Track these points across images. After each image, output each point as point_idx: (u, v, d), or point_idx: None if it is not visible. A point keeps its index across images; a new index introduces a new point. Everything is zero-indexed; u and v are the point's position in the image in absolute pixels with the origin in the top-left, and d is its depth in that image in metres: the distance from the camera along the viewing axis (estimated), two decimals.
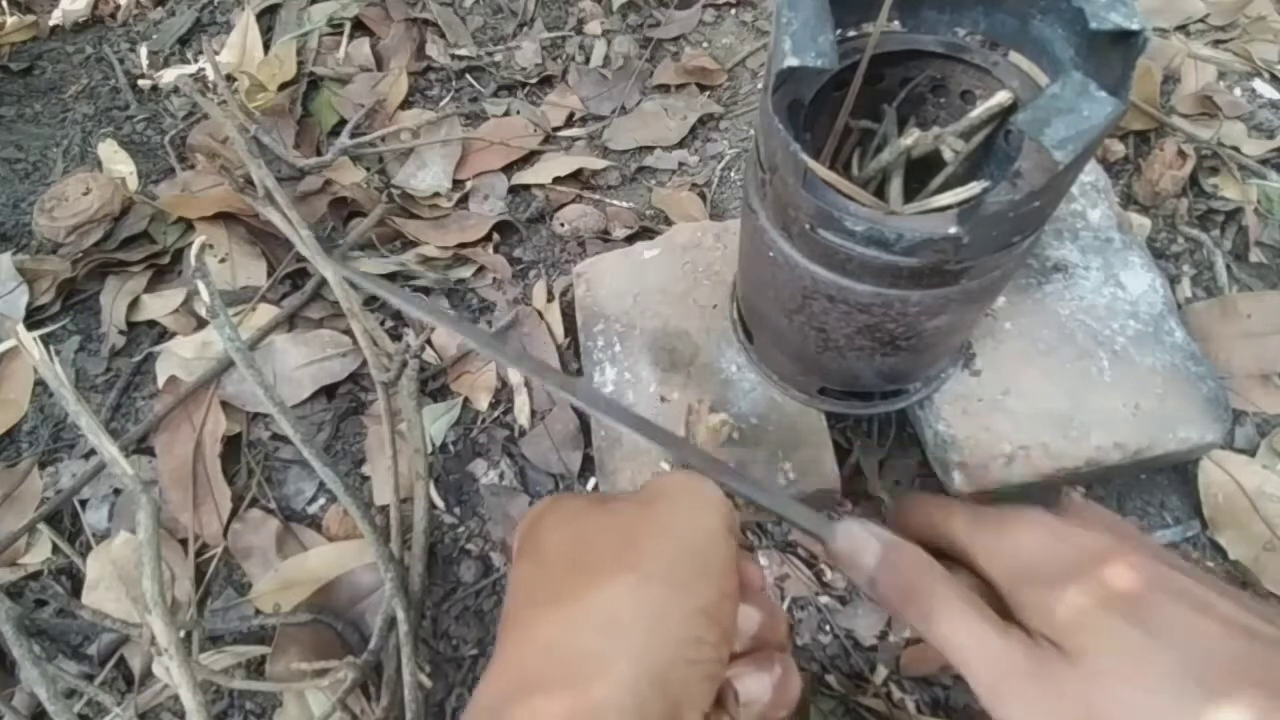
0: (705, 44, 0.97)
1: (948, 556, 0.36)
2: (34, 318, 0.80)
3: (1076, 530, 0.33)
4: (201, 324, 0.78)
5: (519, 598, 0.33)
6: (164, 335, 0.78)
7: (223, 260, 0.80)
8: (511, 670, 0.30)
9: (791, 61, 0.36)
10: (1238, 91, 0.84)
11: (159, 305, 0.79)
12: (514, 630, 0.32)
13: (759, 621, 0.34)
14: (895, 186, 0.46)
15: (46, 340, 0.78)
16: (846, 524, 0.37)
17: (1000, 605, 0.33)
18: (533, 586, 0.33)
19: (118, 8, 1.05)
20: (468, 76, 0.96)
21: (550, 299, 0.76)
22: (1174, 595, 0.31)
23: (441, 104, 0.94)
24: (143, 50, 1.00)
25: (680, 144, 0.88)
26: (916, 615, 0.34)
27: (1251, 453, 0.64)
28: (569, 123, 0.91)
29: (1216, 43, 0.88)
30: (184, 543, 0.67)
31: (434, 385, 0.73)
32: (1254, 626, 0.30)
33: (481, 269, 0.80)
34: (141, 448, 0.71)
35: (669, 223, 0.81)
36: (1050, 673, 0.30)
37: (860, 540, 0.36)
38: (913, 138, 0.45)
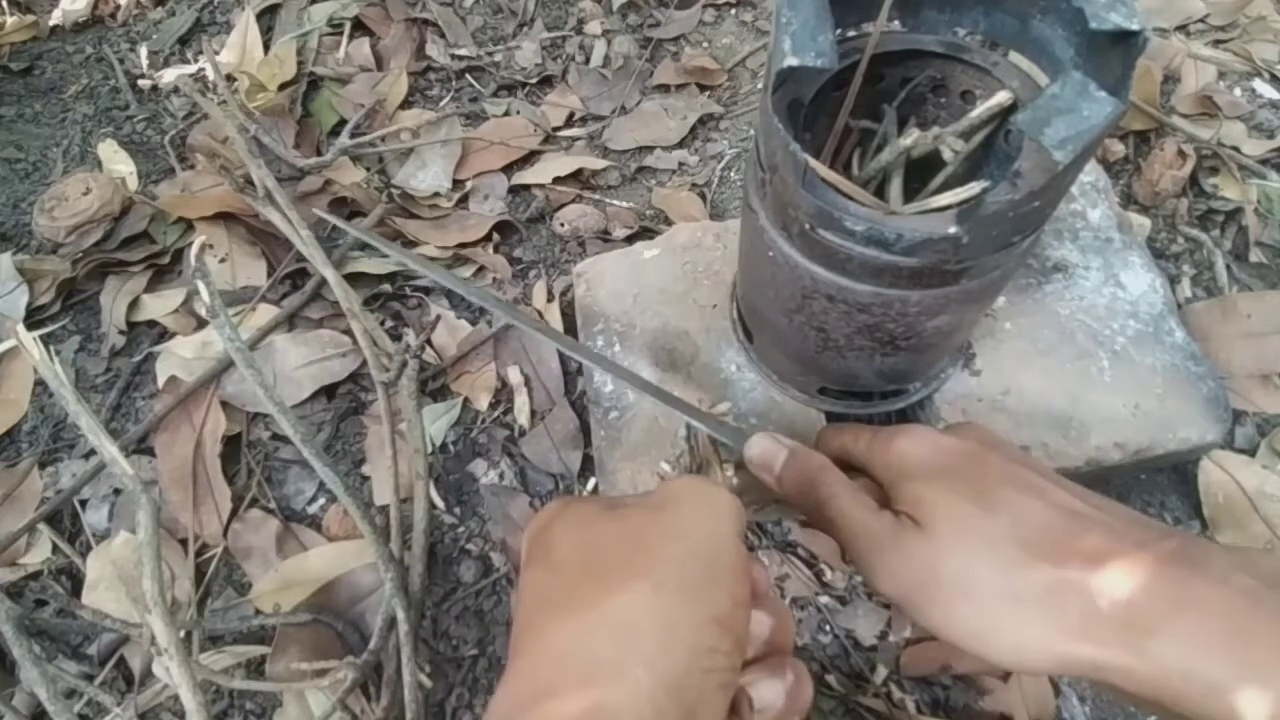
0: (705, 44, 0.97)
1: (854, 470, 0.43)
2: (34, 318, 0.80)
3: (948, 438, 0.40)
4: (201, 324, 0.78)
5: (531, 604, 0.33)
6: (164, 335, 0.78)
7: (223, 260, 0.80)
8: (526, 679, 0.30)
9: (791, 61, 0.36)
10: (1238, 91, 0.84)
11: (159, 305, 0.79)
12: (528, 638, 0.32)
13: (770, 626, 0.35)
14: (895, 186, 0.46)
15: (46, 340, 0.78)
16: (759, 435, 0.44)
17: (886, 504, 0.40)
18: (545, 593, 0.33)
19: (118, 8, 1.05)
20: (468, 76, 0.96)
21: (550, 299, 0.76)
22: (1012, 482, 0.37)
23: (441, 104, 0.94)
24: (143, 50, 1.00)
25: (680, 144, 0.88)
26: (812, 504, 0.41)
27: (1251, 453, 0.64)
28: (569, 123, 0.91)
29: (1216, 43, 0.88)
30: (184, 543, 0.67)
31: (434, 385, 0.73)
32: (1075, 507, 0.36)
33: (481, 269, 0.80)
34: (141, 448, 0.72)
35: (669, 223, 0.81)
36: (906, 542, 0.37)
37: (770, 447, 0.43)
38: (912, 138, 0.45)
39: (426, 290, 0.79)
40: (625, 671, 0.28)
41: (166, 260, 0.82)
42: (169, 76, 0.97)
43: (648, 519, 0.34)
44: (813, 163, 0.37)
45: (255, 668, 0.62)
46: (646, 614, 0.30)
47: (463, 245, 0.80)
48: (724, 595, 0.31)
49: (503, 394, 0.73)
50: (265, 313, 0.77)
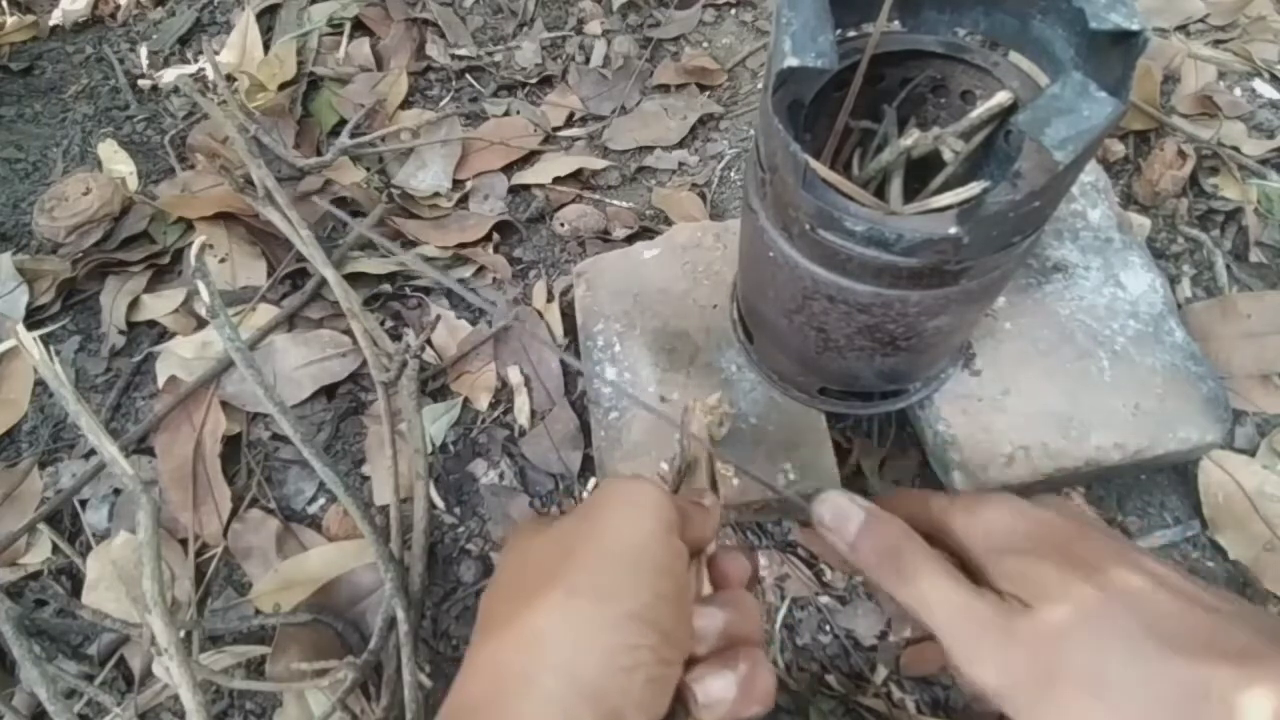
0: (705, 44, 0.97)
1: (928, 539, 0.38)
2: (34, 318, 0.80)
3: (1040, 510, 0.37)
4: (201, 324, 0.78)
5: (477, 624, 0.35)
6: (164, 335, 0.78)
7: (223, 260, 0.80)
8: (452, 698, 0.31)
9: (791, 62, 0.36)
10: (1238, 91, 0.84)
11: (159, 305, 0.79)
12: (465, 657, 0.33)
13: (725, 619, 0.34)
14: (895, 187, 0.46)
15: (46, 340, 0.78)
16: (832, 494, 0.40)
17: (970, 579, 0.35)
18: (484, 612, 0.35)
19: (118, 8, 1.05)
20: (468, 76, 0.96)
21: (550, 299, 0.76)
22: (1130, 565, 0.33)
23: (441, 104, 0.94)
24: (143, 50, 1.00)
25: (680, 144, 0.88)
26: (895, 576, 0.36)
27: (1251, 453, 0.64)
28: (569, 123, 0.91)
29: (1216, 43, 0.88)
30: (184, 543, 0.67)
31: (434, 385, 0.73)
32: (1195, 594, 0.32)
33: (481, 269, 0.80)
34: (141, 448, 0.72)
35: (669, 223, 0.81)
36: (1017, 627, 0.32)
37: (845, 508, 0.39)
38: (913, 138, 0.45)
39: (426, 290, 0.79)
40: (534, 681, 0.29)
41: (166, 260, 0.82)
42: (169, 76, 0.97)
43: (573, 526, 0.34)
44: (813, 163, 0.37)
45: (255, 668, 0.62)
46: (557, 621, 0.30)
47: (463, 245, 0.80)
48: (644, 591, 0.31)
49: (503, 394, 0.73)
50: (265, 313, 0.77)
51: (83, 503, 0.70)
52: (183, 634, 0.50)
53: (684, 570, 0.33)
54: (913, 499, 0.40)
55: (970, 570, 0.36)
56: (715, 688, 0.31)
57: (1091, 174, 0.68)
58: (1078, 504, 0.39)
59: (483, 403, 0.72)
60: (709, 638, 0.33)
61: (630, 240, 0.79)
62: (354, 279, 0.76)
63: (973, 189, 0.44)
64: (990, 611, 0.33)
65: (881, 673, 0.59)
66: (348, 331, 0.74)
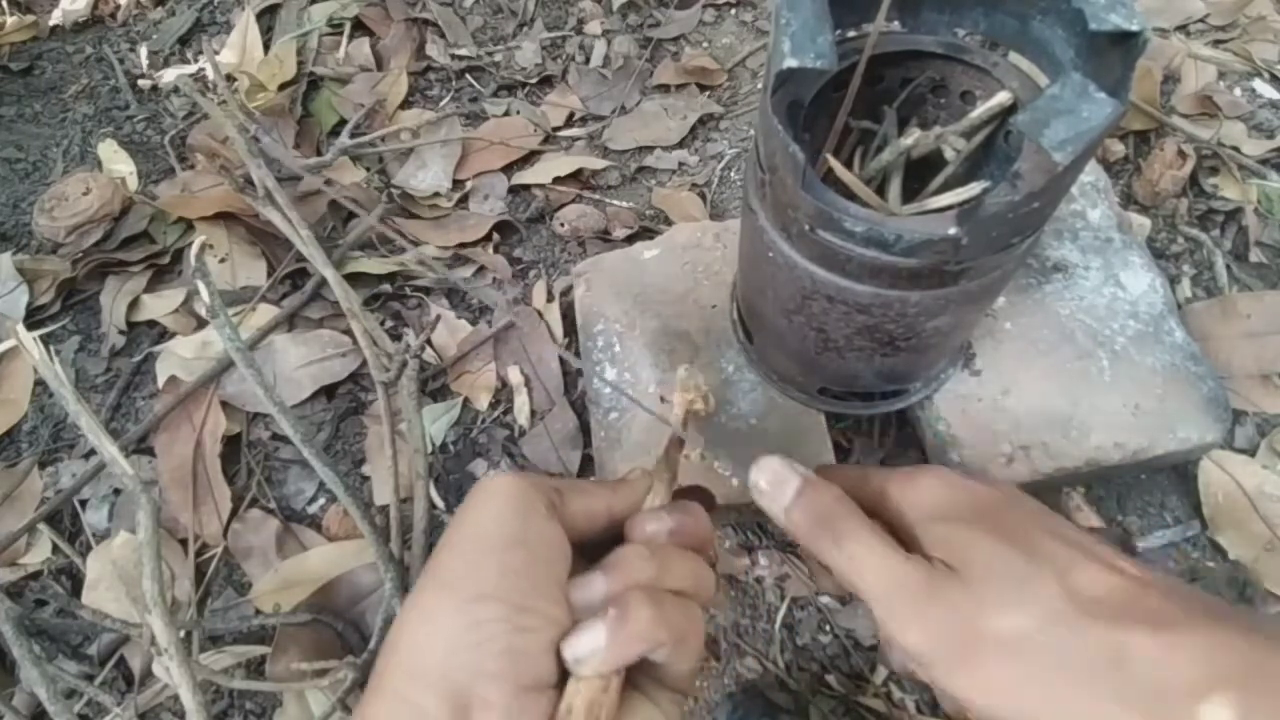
0: (705, 44, 0.97)
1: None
2: (34, 318, 0.80)
3: (973, 482, 0.37)
4: (201, 324, 0.78)
5: None
6: (164, 335, 0.78)
7: (223, 260, 0.80)
8: None
9: (790, 63, 0.36)
10: (1238, 91, 0.84)
11: (159, 305, 0.79)
12: None
13: (602, 582, 0.34)
14: (894, 187, 0.46)
15: (46, 340, 0.78)
16: (769, 459, 0.40)
17: (905, 547, 0.36)
18: None
19: (118, 8, 1.05)
20: (468, 76, 0.96)
21: (550, 299, 0.76)
22: (1056, 536, 0.34)
23: (441, 104, 0.94)
24: (143, 50, 1.00)
25: (680, 144, 0.88)
26: (828, 541, 0.36)
27: (1251, 453, 0.64)
28: (569, 123, 0.91)
29: (1216, 43, 0.88)
30: (184, 543, 0.67)
31: (434, 385, 0.73)
32: (1118, 564, 0.33)
33: (481, 269, 0.80)
34: (141, 448, 0.72)
35: (669, 223, 0.81)
36: (943, 590, 0.33)
37: (781, 473, 0.39)
38: (913, 138, 0.45)
39: (426, 290, 0.79)
40: (382, 686, 0.31)
41: (166, 260, 0.82)
42: (169, 76, 0.97)
43: (447, 532, 0.35)
44: (833, 161, 0.37)
45: (255, 668, 0.62)
46: (407, 620, 0.32)
47: (463, 245, 0.80)
48: (489, 570, 0.32)
49: (503, 394, 0.73)
50: (265, 313, 0.77)
51: (83, 503, 0.70)
52: (183, 634, 0.50)
53: (547, 543, 0.34)
54: (852, 473, 0.40)
55: (905, 540, 0.36)
56: (581, 642, 0.31)
57: (1091, 174, 0.68)
58: (999, 480, 0.40)
59: (483, 403, 0.72)
60: (591, 606, 0.33)
61: (630, 240, 0.79)
62: (354, 279, 0.76)
63: (972, 189, 0.44)
64: (917, 575, 0.34)
65: (881, 673, 0.59)
66: (348, 331, 0.74)
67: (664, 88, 0.93)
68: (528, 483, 0.35)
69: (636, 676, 0.34)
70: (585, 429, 0.68)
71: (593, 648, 0.31)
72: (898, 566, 0.34)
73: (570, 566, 0.34)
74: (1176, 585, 0.32)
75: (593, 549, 0.36)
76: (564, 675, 0.32)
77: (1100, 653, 0.30)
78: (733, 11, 0.99)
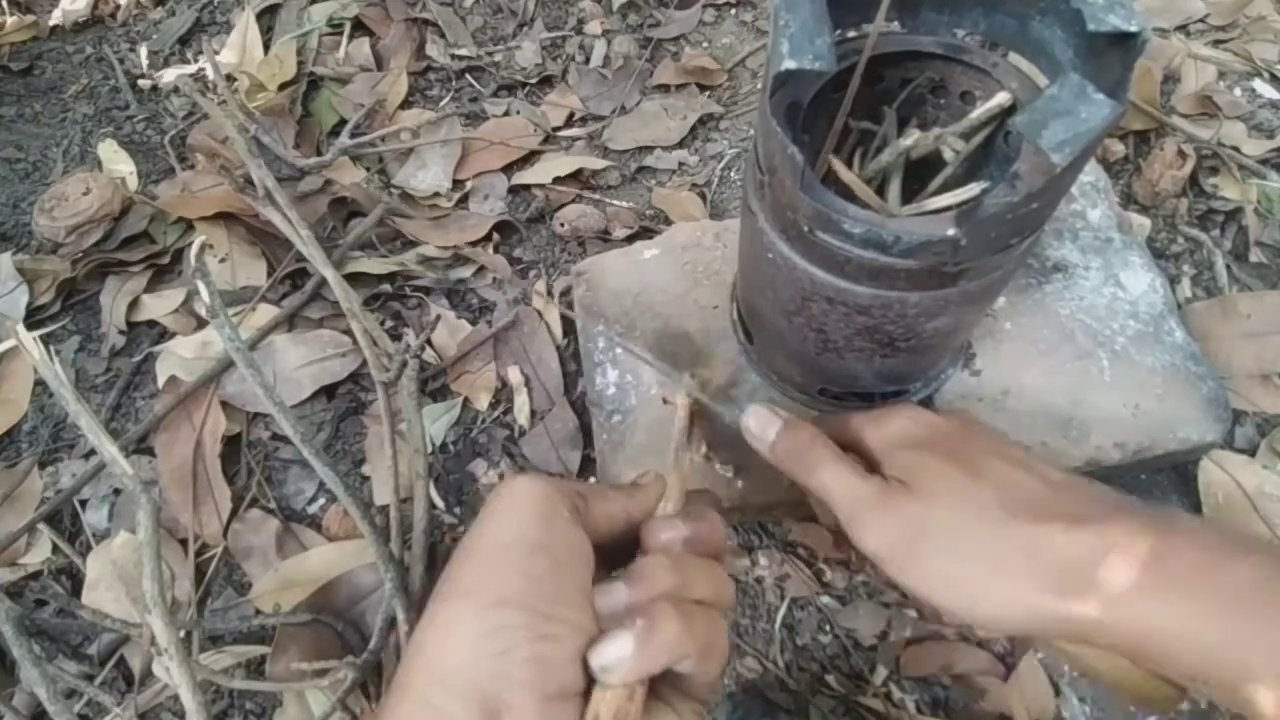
0: (705, 44, 0.97)
1: (848, 450, 0.44)
2: (34, 318, 0.80)
3: (935, 416, 0.44)
4: (201, 324, 0.78)
5: None
6: (164, 335, 0.79)
7: (223, 260, 0.80)
8: None
9: (789, 64, 0.35)
10: (1238, 91, 0.84)
11: (159, 305, 0.79)
12: None
13: (625, 591, 0.34)
14: (894, 188, 0.46)
15: (46, 340, 0.78)
16: (756, 406, 0.47)
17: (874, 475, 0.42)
18: None
19: (118, 8, 1.05)
20: (468, 76, 0.96)
21: (550, 299, 0.76)
22: (999, 455, 0.40)
23: (441, 104, 0.94)
24: (143, 50, 1.00)
25: (680, 144, 0.88)
26: (804, 468, 0.43)
27: (1251, 453, 0.64)
28: (569, 123, 0.91)
29: (1216, 43, 0.88)
30: (184, 543, 0.67)
31: (434, 385, 0.73)
32: (1052, 476, 0.39)
33: (481, 269, 0.80)
34: (141, 448, 0.72)
35: (669, 223, 0.81)
36: (895, 502, 0.39)
37: (767, 417, 0.46)
38: (913, 138, 0.45)
39: (426, 290, 0.79)
40: (408, 689, 0.31)
41: (166, 260, 0.82)
42: (169, 76, 0.97)
43: (464, 537, 0.35)
44: (833, 161, 0.37)
45: (255, 668, 0.62)
46: (428, 626, 0.32)
47: (463, 245, 0.80)
48: (512, 576, 0.32)
49: (503, 394, 0.73)
50: (265, 313, 0.77)
51: (83, 503, 0.70)
52: (183, 634, 0.50)
53: (571, 548, 0.34)
54: (835, 420, 0.47)
55: (873, 468, 0.42)
56: (608, 651, 0.32)
57: (1091, 174, 0.68)
58: (965, 416, 0.48)
59: (483, 403, 0.72)
60: (614, 614, 0.33)
61: (630, 240, 0.79)
62: (354, 279, 0.76)
63: (971, 190, 0.44)
64: (876, 491, 0.40)
65: (881, 673, 0.59)
66: (348, 331, 0.74)
67: (664, 88, 0.93)
68: (551, 486, 0.35)
69: (659, 686, 0.34)
70: (585, 429, 0.68)
71: (619, 657, 0.31)
72: (860, 484, 0.40)
73: (593, 571, 0.34)
74: (1098, 490, 0.39)
75: (607, 553, 0.36)
76: (590, 683, 0.32)
77: (1021, 543, 0.36)
78: (733, 11, 0.99)
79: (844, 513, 0.40)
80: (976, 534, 0.37)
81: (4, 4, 1.04)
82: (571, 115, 0.92)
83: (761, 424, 0.46)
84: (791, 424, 0.45)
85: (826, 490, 0.41)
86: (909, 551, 0.38)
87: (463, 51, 0.97)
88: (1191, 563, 0.34)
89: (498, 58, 0.97)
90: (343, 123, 0.90)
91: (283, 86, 0.93)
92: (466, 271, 0.80)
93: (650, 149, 0.88)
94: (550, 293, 0.77)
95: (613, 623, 0.33)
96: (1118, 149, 0.80)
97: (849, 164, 0.48)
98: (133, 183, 0.88)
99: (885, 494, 0.39)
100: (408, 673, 0.32)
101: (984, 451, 0.40)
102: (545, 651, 0.31)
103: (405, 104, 0.93)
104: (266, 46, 0.98)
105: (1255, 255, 0.74)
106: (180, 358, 0.75)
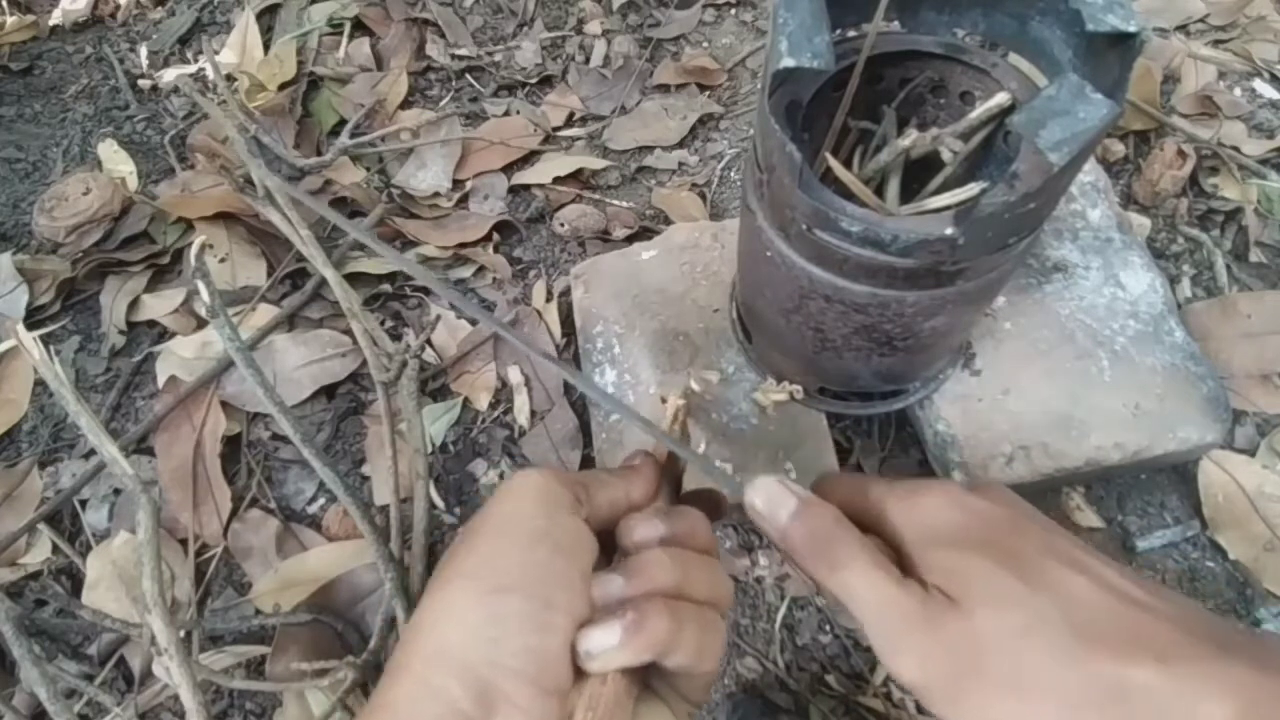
0: (705, 44, 0.97)
1: (861, 528, 0.37)
2: (34, 318, 0.80)
3: (978, 500, 0.35)
4: (201, 324, 0.78)
5: None
6: (164, 335, 0.79)
7: (223, 260, 0.80)
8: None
9: (788, 63, 0.36)
10: (1238, 91, 0.84)
11: (159, 305, 0.79)
12: None
13: (622, 584, 0.34)
14: (893, 187, 0.46)
15: (46, 340, 0.78)
16: (765, 479, 0.39)
17: (902, 568, 0.35)
18: None
19: (118, 8, 1.05)
20: (468, 76, 0.96)
21: (550, 299, 0.76)
22: (1057, 558, 0.33)
23: (441, 104, 0.94)
24: (143, 50, 1.00)
25: (680, 144, 0.88)
26: (825, 565, 0.35)
27: (1251, 453, 0.64)
28: (569, 123, 0.91)
29: (1216, 43, 0.88)
30: (184, 543, 0.67)
31: (434, 385, 0.73)
32: (1127, 590, 0.31)
33: (481, 269, 0.80)
34: (141, 448, 0.72)
35: (669, 223, 0.81)
36: (940, 620, 0.32)
37: (778, 495, 0.38)
38: (911, 138, 0.45)
39: (427, 290, 0.79)
40: (406, 669, 0.31)
41: (166, 260, 0.82)
42: (169, 76, 0.97)
43: (471, 524, 0.35)
44: (831, 160, 0.37)
45: (255, 668, 0.62)
46: (429, 608, 0.33)
47: (463, 245, 0.80)
48: (512, 564, 0.32)
49: (503, 394, 0.73)
50: (265, 313, 0.77)
51: (83, 503, 0.70)
52: (183, 634, 0.50)
53: (572, 538, 0.34)
54: (851, 484, 0.39)
55: (903, 559, 0.35)
56: (594, 637, 0.32)
57: (1091, 174, 0.68)
58: (1011, 493, 0.38)
59: (483, 403, 0.72)
60: (608, 603, 0.33)
61: (630, 240, 0.79)
62: (354, 279, 0.76)
63: (970, 190, 0.44)
64: (915, 604, 0.32)
65: (881, 673, 0.59)
66: (348, 331, 0.74)
67: (664, 88, 0.93)
68: (555, 479, 0.35)
69: (654, 681, 0.35)
70: (585, 429, 0.68)
71: (604, 645, 0.32)
72: (894, 594, 0.33)
73: (595, 561, 0.35)
74: (1185, 612, 0.31)
75: (608, 538, 0.37)
76: (582, 677, 0.32)
77: (1103, 687, 0.29)
78: (733, 11, 0.99)
79: (874, 627, 0.33)
80: (1047, 673, 0.30)
81: (4, 4, 1.04)
82: (571, 115, 0.92)
83: (771, 502, 0.38)
84: (808, 506, 0.37)
85: (851, 595, 0.34)
86: (957, 684, 0.31)
87: (463, 51, 0.97)
88: None
89: (498, 58, 0.97)
90: (343, 123, 0.90)
91: (283, 86, 0.93)
92: (466, 271, 0.80)
93: (650, 149, 0.88)
94: (550, 293, 0.77)
95: (608, 613, 0.33)
96: (1118, 149, 0.80)
97: (848, 163, 0.49)
98: (133, 183, 0.88)
99: (928, 610, 0.32)
100: (405, 654, 0.32)
101: (1041, 551, 0.33)
102: (540, 643, 0.31)
103: (405, 104, 0.93)
104: (266, 46, 0.98)
105: (1255, 255, 0.73)
106: (180, 358, 0.75)
